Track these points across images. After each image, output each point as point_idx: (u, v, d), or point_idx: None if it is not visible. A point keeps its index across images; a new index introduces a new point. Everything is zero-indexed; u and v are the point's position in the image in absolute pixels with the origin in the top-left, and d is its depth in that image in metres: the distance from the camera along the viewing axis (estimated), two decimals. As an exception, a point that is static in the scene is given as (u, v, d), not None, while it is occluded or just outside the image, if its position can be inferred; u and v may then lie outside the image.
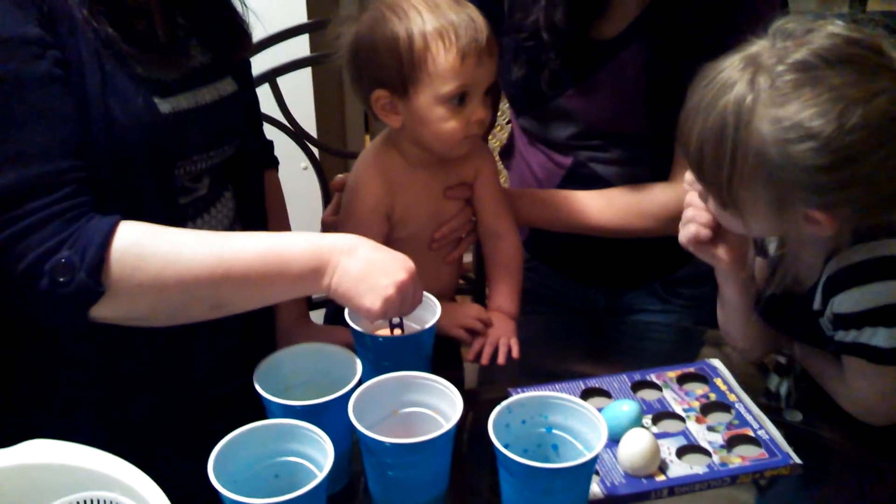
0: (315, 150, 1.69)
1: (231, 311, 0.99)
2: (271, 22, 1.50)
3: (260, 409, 0.95)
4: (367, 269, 0.96)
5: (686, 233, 1.09)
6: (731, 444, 1.04)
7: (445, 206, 1.28)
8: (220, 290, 0.95)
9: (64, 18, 0.97)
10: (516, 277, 1.31)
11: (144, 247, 0.93)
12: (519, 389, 1.09)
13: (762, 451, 1.02)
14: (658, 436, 1.03)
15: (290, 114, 1.62)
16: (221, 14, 1.17)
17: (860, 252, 0.99)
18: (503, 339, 1.22)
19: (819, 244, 1.02)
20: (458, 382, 0.96)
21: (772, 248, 1.12)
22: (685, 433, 1.05)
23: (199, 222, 1.12)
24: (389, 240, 1.22)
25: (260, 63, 1.54)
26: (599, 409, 0.94)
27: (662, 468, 0.99)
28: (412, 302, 1.00)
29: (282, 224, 1.34)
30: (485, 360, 1.20)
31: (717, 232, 1.07)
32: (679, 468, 1.00)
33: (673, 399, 1.11)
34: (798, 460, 1.01)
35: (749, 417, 1.07)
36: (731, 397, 1.11)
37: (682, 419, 1.08)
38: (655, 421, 1.08)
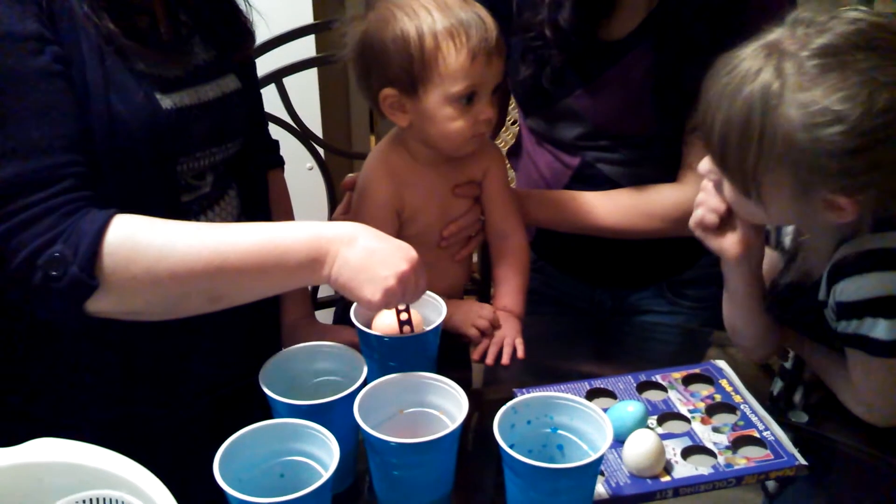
0: (321, 151, 1.69)
1: (230, 304, 0.98)
2: (277, 22, 1.51)
3: (265, 409, 0.95)
4: (368, 260, 0.94)
5: (694, 216, 1.09)
6: (736, 445, 1.03)
7: (454, 205, 1.28)
8: (217, 281, 0.94)
9: (64, 14, 0.97)
10: (523, 277, 1.31)
11: (138, 239, 0.92)
12: (524, 390, 1.09)
13: (767, 452, 1.02)
14: (663, 436, 1.03)
15: (295, 114, 1.62)
16: (225, 12, 1.17)
17: (867, 241, 0.99)
18: (508, 339, 1.22)
19: (833, 234, 1.01)
20: (466, 383, 0.96)
21: (787, 240, 1.12)
22: (690, 434, 1.05)
23: (202, 220, 1.12)
24: (399, 237, 1.22)
25: (266, 63, 1.54)
26: (605, 410, 0.94)
27: (667, 469, 0.99)
28: (415, 291, 0.98)
29: None
30: (490, 360, 1.20)
31: (726, 221, 1.07)
32: (684, 469, 1.00)
33: (678, 400, 1.11)
34: (803, 461, 1.00)
35: (754, 418, 1.07)
36: (737, 398, 1.11)
37: (687, 420, 1.08)
38: (660, 422, 1.08)
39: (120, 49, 1.00)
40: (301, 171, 1.78)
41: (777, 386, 1.15)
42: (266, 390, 0.94)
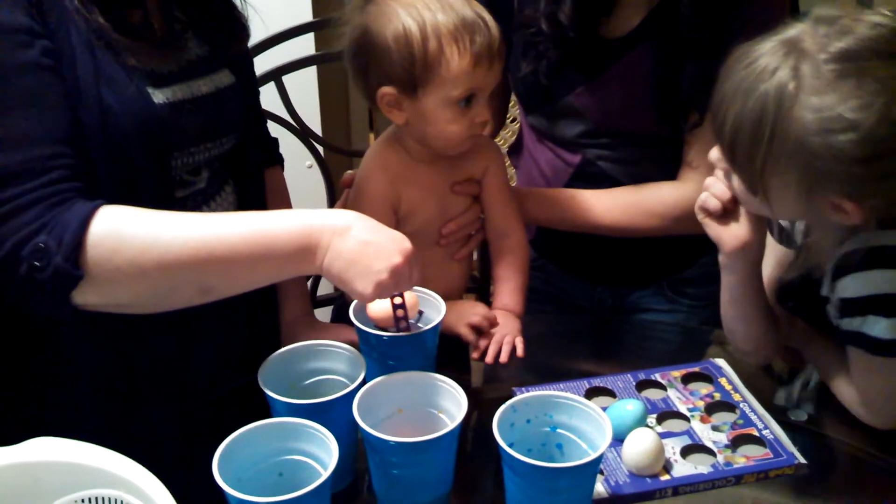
0: (320, 149, 1.69)
1: (221, 295, 0.97)
2: (277, 20, 1.51)
3: (264, 408, 0.95)
4: (360, 252, 0.92)
5: (699, 199, 1.09)
6: (735, 443, 1.03)
7: (453, 203, 1.28)
8: (205, 272, 0.93)
9: (54, 8, 0.97)
10: (522, 276, 1.31)
11: (123, 230, 0.91)
12: (523, 388, 1.09)
13: (767, 450, 1.02)
14: (662, 435, 1.03)
15: (295, 112, 1.62)
16: (219, 8, 1.17)
17: (872, 238, 0.99)
18: (508, 338, 1.22)
19: (838, 231, 1.01)
20: (466, 382, 0.96)
21: (798, 237, 1.12)
22: (690, 433, 1.05)
23: None
24: None
25: (265, 61, 1.54)
26: (604, 409, 0.94)
27: (667, 468, 0.99)
28: (408, 283, 0.97)
29: None
30: (489, 358, 1.20)
31: (730, 211, 1.06)
32: (683, 468, 0.99)
33: (677, 398, 1.11)
34: (803, 460, 1.00)
35: (754, 417, 1.07)
36: (736, 397, 1.11)
37: (686, 419, 1.08)
38: (660, 420, 1.07)
39: (110, 43, 0.99)
40: (300, 169, 1.78)
41: (781, 397, 1.15)
42: (265, 389, 0.94)
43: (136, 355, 1.08)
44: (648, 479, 0.98)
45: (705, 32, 1.22)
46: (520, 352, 1.21)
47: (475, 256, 1.53)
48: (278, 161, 1.38)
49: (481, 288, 1.71)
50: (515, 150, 1.59)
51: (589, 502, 0.92)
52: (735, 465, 1.00)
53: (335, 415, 0.92)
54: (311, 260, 0.93)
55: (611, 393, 1.13)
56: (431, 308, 1.08)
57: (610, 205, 1.37)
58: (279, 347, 1.02)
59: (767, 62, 0.91)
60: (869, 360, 1.01)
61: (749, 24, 1.20)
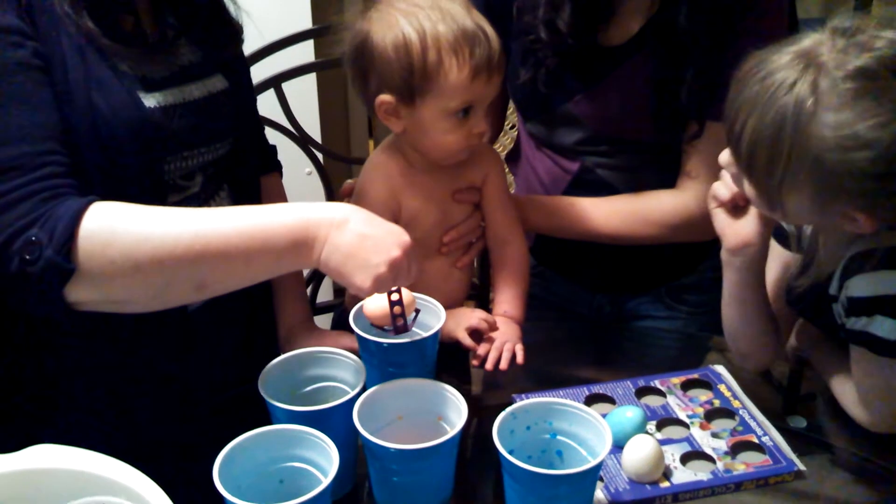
0: (319, 156, 1.70)
1: (218, 291, 0.96)
2: (276, 28, 1.51)
3: (265, 415, 0.95)
4: (358, 245, 0.91)
5: (712, 187, 1.09)
6: (735, 450, 1.04)
7: (453, 211, 1.28)
8: (200, 267, 0.91)
9: (43, 12, 0.97)
10: (523, 283, 1.31)
11: (116, 223, 0.90)
12: (523, 395, 1.10)
13: (766, 457, 1.02)
14: (662, 442, 1.03)
15: (294, 119, 1.62)
16: (212, 15, 1.17)
17: (884, 238, 0.99)
18: (508, 345, 1.22)
19: (849, 235, 1.02)
20: (466, 389, 0.96)
21: (805, 241, 1.12)
22: (689, 439, 1.05)
23: None
24: None
25: (265, 68, 1.54)
26: (604, 415, 0.94)
27: (666, 475, 0.99)
28: (407, 276, 0.96)
29: None
30: (489, 365, 1.20)
31: (740, 208, 1.07)
32: (683, 475, 1.00)
33: (677, 405, 1.11)
34: (802, 467, 1.01)
35: (753, 424, 1.07)
36: (736, 403, 1.11)
37: (686, 425, 1.08)
38: (659, 427, 1.08)
39: (101, 48, 0.99)
40: (300, 176, 1.78)
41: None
42: (265, 396, 0.94)
43: (133, 364, 1.08)
44: (648, 486, 0.98)
45: (704, 41, 1.23)
46: (520, 359, 1.21)
47: (475, 263, 1.54)
48: (276, 168, 1.38)
49: (481, 295, 1.71)
50: (514, 157, 1.60)
51: (589, 509, 0.92)
52: (735, 472, 1.00)
53: (335, 422, 0.92)
54: (308, 254, 0.92)
55: (610, 400, 1.13)
56: (431, 315, 1.08)
57: (608, 213, 1.37)
58: (278, 354, 1.02)
59: (786, 76, 0.91)
60: (871, 360, 1.01)
61: (747, 32, 1.21)
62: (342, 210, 0.94)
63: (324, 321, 1.46)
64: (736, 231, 1.07)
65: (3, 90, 0.92)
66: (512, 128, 2.16)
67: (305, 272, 1.60)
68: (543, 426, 0.93)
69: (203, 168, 1.13)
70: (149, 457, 0.83)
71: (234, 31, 1.19)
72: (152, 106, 1.04)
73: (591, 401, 1.12)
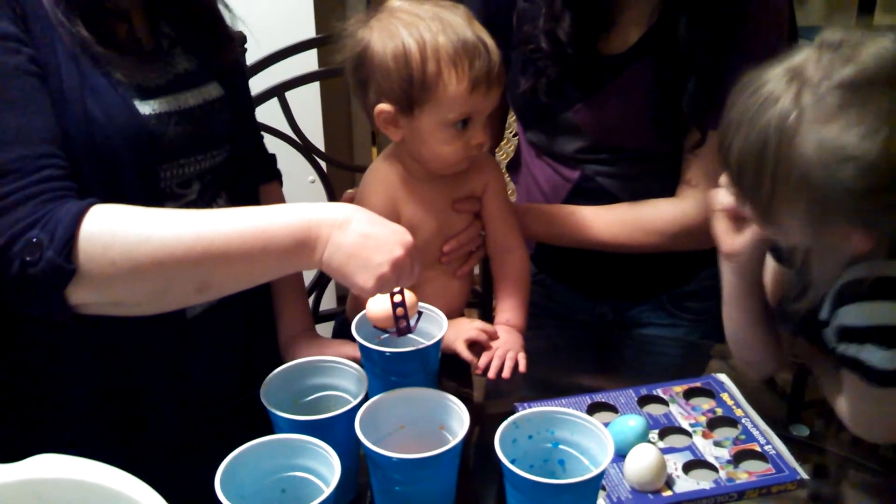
0: (322, 164, 1.70)
1: (220, 293, 0.96)
2: (280, 37, 1.52)
3: (267, 424, 0.95)
4: (361, 245, 0.91)
5: (714, 194, 1.08)
6: (737, 459, 1.03)
7: (453, 220, 1.28)
8: (202, 268, 0.91)
9: (38, 19, 0.97)
10: (524, 291, 1.31)
11: (117, 224, 0.90)
12: (525, 404, 1.10)
13: (769, 466, 1.02)
14: (664, 451, 1.03)
15: (297, 127, 1.63)
16: (207, 24, 1.17)
17: (879, 268, 0.97)
18: (510, 353, 1.22)
19: (846, 258, 0.99)
20: (468, 398, 0.96)
21: (797, 259, 1.11)
22: (692, 448, 1.05)
23: None
24: None
25: (268, 77, 1.55)
26: (606, 424, 0.94)
27: (669, 483, 0.99)
28: (409, 276, 0.95)
29: None
30: (492, 374, 1.20)
31: (737, 219, 1.06)
32: (685, 483, 0.99)
33: (679, 414, 1.11)
34: (805, 475, 1.00)
35: (756, 432, 1.07)
36: (738, 412, 1.11)
37: (688, 434, 1.08)
38: (662, 436, 1.08)
39: (95, 56, 1.00)
40: (303, 184, 1.79)
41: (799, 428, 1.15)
42: (267, 405, 0.94)
43: (133, 373, 1.08)
44: (650, 495, 0.98)
45: (704, 49, 1.23)
46: (521, 367, 1.22)
47: (476, 271, 1.54)
48: (275, 176, 1.37)
49: (483, 303, 1.71)
50: (514, 165, 1.60)
51: (591, 518, 0.92)
52: (737, 481, 1.00)
53: (337, 431, 0.92)
54: (310, 254, 0.92)
55: (612, 408, 1.13)
56: (433, 324, 1.08)
57: (609, 221, 1.37)
58: (280, 362, 1.02)
59: (771, 90, 0.89)
60: (862, 387, 0.99)
61: (747, 41, 1.21)
62: (344, 210, 0.94)
63: (325, 330, 1.46)
64: (726, 240, 1.07)
65: (2, 95, 0.93)
66: (515, 135, 2.17)
67: (308, 280, 1.61)
68: (545, 435, 0.93)
69: (200, 176, 1.14)
70: (151, 466, 0.83)
71: (229, 39, 1.19)
72: (147, 113, 1.04)
73: (593, 409, 1.12)
